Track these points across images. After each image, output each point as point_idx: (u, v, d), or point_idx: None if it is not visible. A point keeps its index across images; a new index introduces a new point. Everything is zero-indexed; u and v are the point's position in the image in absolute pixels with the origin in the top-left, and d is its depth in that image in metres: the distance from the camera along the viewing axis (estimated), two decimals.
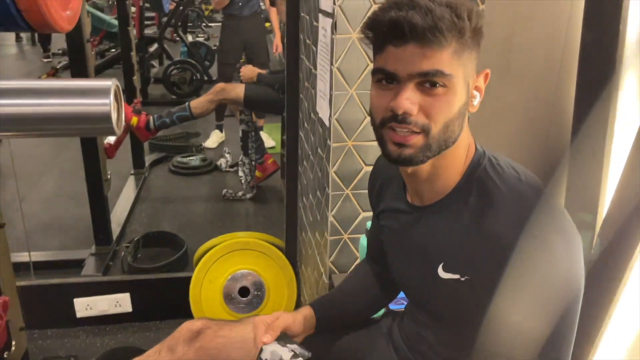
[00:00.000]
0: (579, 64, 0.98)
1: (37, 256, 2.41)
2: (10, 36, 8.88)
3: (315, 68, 1.64)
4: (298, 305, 2.20)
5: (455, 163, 0.82)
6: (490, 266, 0.75)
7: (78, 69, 2.36)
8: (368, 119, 1.44)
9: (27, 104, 0.42)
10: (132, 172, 3.64)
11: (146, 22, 6.18)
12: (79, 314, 2.18)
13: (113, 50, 6.47)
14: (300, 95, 2.04)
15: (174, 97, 5.43)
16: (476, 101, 0.80)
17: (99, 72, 2.81)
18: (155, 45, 5.98)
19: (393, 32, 0.72)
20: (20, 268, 2.25)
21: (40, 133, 0.47)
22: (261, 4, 4.44)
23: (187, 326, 1.08)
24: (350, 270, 1.55)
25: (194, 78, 5.47)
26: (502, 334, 0.76)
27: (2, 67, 6.63)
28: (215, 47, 5.49)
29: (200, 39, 7.23)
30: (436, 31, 0.71)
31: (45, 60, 7.69)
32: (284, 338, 1.00)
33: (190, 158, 3.92)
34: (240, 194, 3.41)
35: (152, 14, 6.98)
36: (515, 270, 0.72)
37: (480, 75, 0.81)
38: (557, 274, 0.74)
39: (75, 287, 2.19)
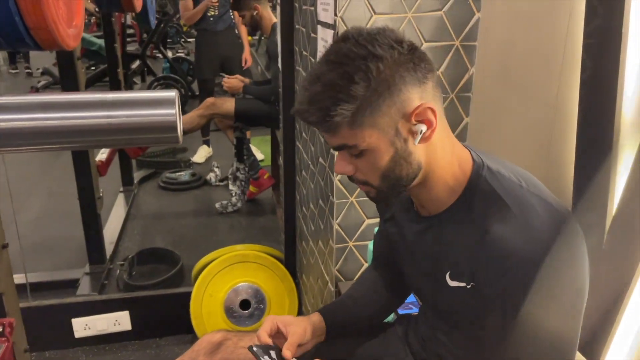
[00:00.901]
0: (582, 64, 1.02)
1: (31, 277, 2.37)
2: None
3: None
4: (300, 315, 2.20)
5: (443, 179, 0.84)
6: (495, 273, 0.76)
7: (69, 86, 2.35)
8: None
9: (100, 116, 0.43)
10: (121, 189, 3.61)
11: (127, 39, 6.15)
12: (77, 334, 2.14)
13: (93, 67, 6.42)
14: None
15: None
16: (418, 138, 0.78)
17: (85, 88, 2.79)
18: (138, 62, 5.96)
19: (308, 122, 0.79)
20: (16, 289, 2.21)
21: (112, 143, 0.48)
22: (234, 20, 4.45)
23: (207, 339, 1.08)
24: (357, 276, 1.56)
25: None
26: (523, 345, 0.79)
27: None
28: None
29: (181, 54, 7.23)
30: (318, 125, 0.77)
31: (12, 71, 7.67)
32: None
33: (179, 173, 3.90)
34: (229, 209, 3.40)
35: (133, 31, 6.97)
36: (528, 283, 0.74)
37: (418, 109, 0.77)
38: (569, 283, 0.77)
39: (73, 307, 2.15)
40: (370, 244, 1.46)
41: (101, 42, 4.62)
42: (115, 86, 3.39)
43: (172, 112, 0.45)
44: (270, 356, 0.91)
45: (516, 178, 0.81)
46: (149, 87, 5.40)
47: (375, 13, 1.37)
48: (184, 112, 5.26)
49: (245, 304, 2.16)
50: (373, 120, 0.76)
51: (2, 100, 0.45)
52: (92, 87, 5.32)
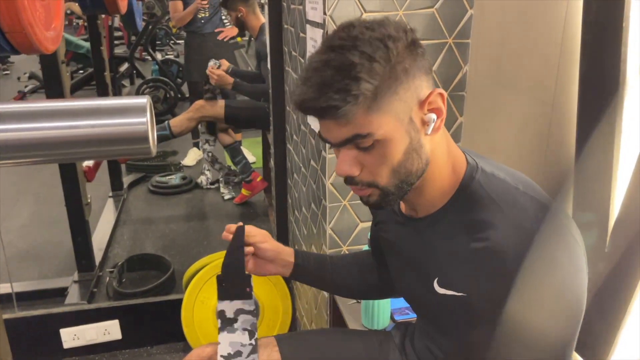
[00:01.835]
0: (581, 62, 0.99)
1: (17, 286, 2.32)
2: None
3: None
4: (294, 321, 2.16)
5: (438, 180, 0.80)
6: (490, 281, 0.73)
7: (53, 91, 2.29)
8: None
9: (58, 127, 0.38)
10: (111, 194, 3.55)
11: (115, 42, 6.08)
12: (66, 345, 2.09)
13: (81, 71, 6.34)
14: (288, 108, 2.01)
15: None
16: (431, 127, 0.75)
17: (72, 92, 2.72)
18: (126, 65, 5.89)
19: (308, 112, 0.73)
20: (1, 300, 2.16)
21: (72, 157, 0.44)
22: (225, 21, 4.37)
23: (196, 352, 1.04)
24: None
25: (168, 96, 5.40)
26: (515, 350, 0.74)
27: None
28: None
29: (171, 56, 7.16)
30: (333, 109, 0.69)
31: (6, 73, 7.61)
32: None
33: (170, 177, 3.85)
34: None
35: (121, 34, 6.89)
36: (521, 288, 0.70)
37: (429, 98, 0.74)
38: (563, 288, 0.72)
39: (60, 317, 2.10)
40: (364, 249, 1.42)
41: (89, 45, 4.56)
42: (102, 90, 3.33)
43: (143, 121, 0.40)
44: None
45: (512, 181, 0.77)
46: (138, 90, 5.34)
47: (365, 11, 1.33)
48: (173, 114, 5.22)
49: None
50: (390, 105, 0.71)
51: None
52: (79, 92, 5.26)
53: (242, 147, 3.51)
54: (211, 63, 3.06)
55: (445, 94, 0.75)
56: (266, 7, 2.11)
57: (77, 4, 5.36)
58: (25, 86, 5.60)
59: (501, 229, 0.72)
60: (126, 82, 6.57)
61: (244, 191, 3.43)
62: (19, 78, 7.44)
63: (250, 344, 1.00)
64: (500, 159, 0.86)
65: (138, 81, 6.04)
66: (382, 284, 1.15)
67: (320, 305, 1.68)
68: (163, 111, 5.34)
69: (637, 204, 0.90)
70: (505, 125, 1.30)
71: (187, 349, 2.09)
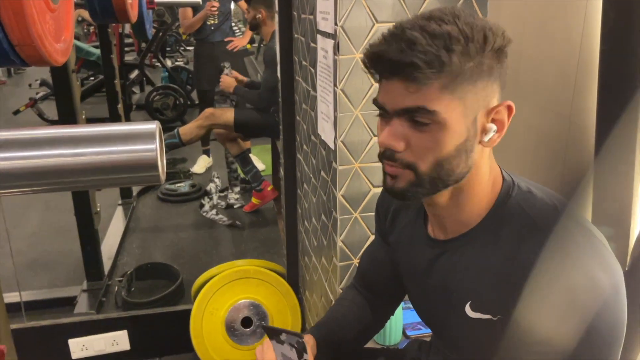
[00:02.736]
0: (599, 73, 0.96)
1: (26, 295, 2.31)
2: None
3: (315, 90, 1.61)
4: (303, 332, 2.13)
5: (478, 195, 0.77)
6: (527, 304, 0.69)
7: (64, 100, 2.29)
8: (374, 139, 1.40)
9: (62, 155, 0.37)
10: (120, 202, 3.55)
11: (125, 49, 6.11)
12: (74, 355, 2.08)
13: (92, 78, 6.38)
14: (297, 118, 2.00)
15: None
16: (488, 136, 0.72)
17: (82, 100, 2.72)
18: (136, 72, 5.91)
19: (378, 66, 0.70)
20: (10, 309, 2.15)
21: (79, 186, 0.42)
22: (235, 29, 4.38)
23: None
24: (339, 296, 1.51)
25: (177, 103, 5.42)
26: None
27: None
28: None
29: (180, 63, 7.19)
30: (414, 68, 0.66)
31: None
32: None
33: (179, 184, 3.85)
34: (229, 222, 3.34)
35: (131, 41, 6.93)
36: (558, 310, 0.67)
37: (499, 107, 0.72)
38: (604, 311, 0.68)
39: (69, 327, 2.09)
40: (344, 289, 1.40)
41: (100, 52, 4.59)
42: (112, 98, 3.34)
43: (152, 148, 0.39)
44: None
45: (549, 200, 0.74)
46: (148, 97, 5.35)
47: (377, 22, 1.31)
48: (182, 121, 5.23)
49: (247, 322, 2.10)
50: (465, 94, 0.68)
51: None
52: (90, 98, 5.28)
53: (251, 155, 3.51)
54: (226, 71, 3.08)
55: (513, 109, 0.73)
56: (276, 16, 2.10)
57: (87, 12, 5.39)
58: (37, 93, 5.63)
59: (540, 249, 0.69)
60: (136, 89, 6.60)
61: (254, 200, 3.42)
62: (30, 85, 7.51)
63: None
64: (516, 172, 0.84)
65: (148, 88, 6.06)
66: (376, 318, 1.12)
67: None
68: (172, 118, 5.35)
69: None
70: (521, 138, 1.27)
71: (196, 359, 2.07)
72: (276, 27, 3.16)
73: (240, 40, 4.12)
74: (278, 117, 2.58)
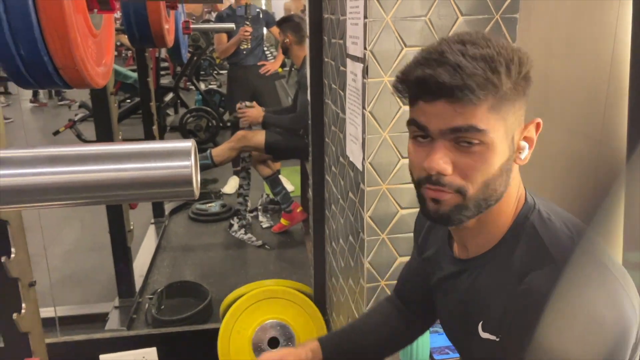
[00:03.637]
0: (630, 96, 0.95)
1: (61, 311, 2.37)
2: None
3: (344, 112, 1.63)
4: None
5: (502, 217, 0.77)
6: (527, 328, 0.68)
7: (102, 121, 2.38)
8: (402, 161, 1.41)
9: (105, 170, 0.39)
10: (152, 221, 3.63)
11: (161, 72, 6.30)
12: None
13: (129, 100, 6.58)
14: (326, 139, 2.02)
15: None
16: (524, 154, 0.74)
17: (119, 121, 2.84)
18: (171, 94, 6.08)
19: (422, 89, 0.70)
20: (44, 324, 2.21)
21: (117, 200, 0.45)
22: (267, 53, 4.47)
23: None
24: (372, 305, 1.50)
25: (210, 125, 5.53)
26: None
27: (25, 120, 6.77)
28: None
29: (214, 86, 7.36)
30: (466, 90, 0.66)
31: (59, 103, 7.98)
32: None
33: (210, 204, 3.91)
34: (258, 243, 3.37)
35: (167, 64, 7.14)
36: (557, 342, 0.66)
37: (530, 125, 0.74)
38: (602, 335, 0.66)
39: (100, 343, 2.14)
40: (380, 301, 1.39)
41: (136, 75, 4.76)
42: (148, 119, 3.44)
43: (188, 165, 0.41)
44: None
45: (567, 228, 0.73)
46: (182, 119, 5.49)
47: (406, 46, 1.33)
48: (215, 143, 5.33)
49: (273, 342, 2.10)
50: (507, 114, 0.70)
51: (2, 154, 0.41)
52: (126, 120, 5.45)
53: (280, 176, 3.55)
54: (240, 105, 3.15)
55: (541, 125, 0.75)
56: (307, 40, 2.15)
57: (126, 36, 5.59)
58: (75, 114, 5.84)
59: (548, 277, 0.68)
60: (170, 111, 6.76)
61: (283, 221, 3.44)
62: (69, 106, 7.80)
63: None
64: (545, 195, 0.83)
65: (182, 110, 6.22)
66: (407, 332, 1.12)
67: None
68: (205, 139, 5.46)
69: None
70: (549, 161, 1.26)
71: None
72: (307, 51, 3.23)
73: (272, 64, 4.21)
74: (307, 139, 2.62)
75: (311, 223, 2.25)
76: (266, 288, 2.15)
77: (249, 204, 3.83)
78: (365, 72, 1.35)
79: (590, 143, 1.10)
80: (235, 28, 3.76)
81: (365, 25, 1.32)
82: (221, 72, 9.34)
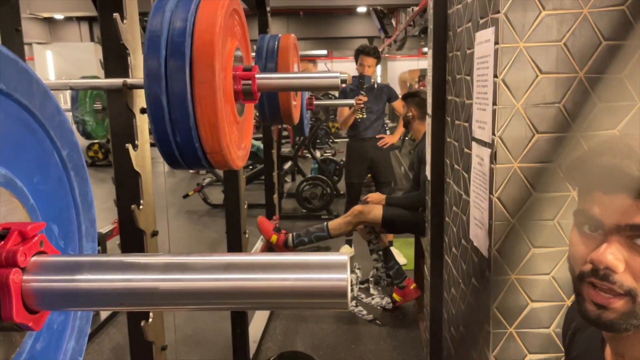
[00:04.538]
0: None
1: None
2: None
3: (467, 194, 1.60)
4: None
5: None
6: None
7: (230, 187, 2.56)
8: (533, 250, 1.34)
9: (263, 279, 0.43)
10: None
11: (282, 141, 6.68)
12: None
13: (251, 167, 7.02)
14: (447, 219, 1.99)
15: (304, 211, 5.65)
16: None
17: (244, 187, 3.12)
18: (290, 163, 6.39)
19: (604, 179, 0.66)
20: None
21: (273, 306, 0.48)
22: (386, 128, 4.57)
23: None
24: None
25: (324, 193, 5.69)
26: None
27: (157, 184, 7.47)
28: (342, 162, 5.75)
29: (329, 155, 7.65)
30: None
31: (192, 171, 8.65)
32: None
33: None
34: (369, 317, 3.31)
35: (286, 133, 7.57)
36: None
37: None
38: None
39: None
40: None
41: (259, 144, 5.07)
42: (269, 187, 3.64)
43: (344, 278, 0.43)
44: None
45: None
46: (298, 187, 5.71)
47: (537, 132, 1.30)
48: (328, 210, 5.46)
49: None
50: None
51: (172, 260, 0.47)
52: (249, 185, 5.79)
53: (392, 248, 3.51)
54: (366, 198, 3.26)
55: None
56: (428, 119, 2.17)
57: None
58: (203, 179, 6.33)
59: None
60: (288, 178, 7.08)
61: (395, 296, 3.37)
62: (198, 171, 8.47)
63: None
64: None
65: (299, 177, 6.48)
66: None
67: None
68: (319, 207, 5.61)
69: None
70: None
71: None
72: (422, 127, 3.27)
73: (392, 137, 4.29)
74: (425, 215, 2.58)
75: (427, 304, 2.18)
76: None
77: (359, 274, 3.81)
78: (494, 158, 1.33)
79: None
80: (355, 103, 3.90)
81: (494, 111, 1.32)
82: (336, 140, 9.68)
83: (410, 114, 3.34)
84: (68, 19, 12.66)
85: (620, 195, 0.65)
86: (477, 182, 1.49)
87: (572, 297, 0.75)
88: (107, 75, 1.41)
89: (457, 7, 1.72)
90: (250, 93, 1.30)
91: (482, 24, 1.42)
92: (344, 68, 4.79)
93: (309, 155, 6.94)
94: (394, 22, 11.06)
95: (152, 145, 1.37)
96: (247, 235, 2.49)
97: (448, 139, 1.94)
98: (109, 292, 0.48)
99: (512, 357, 1.37)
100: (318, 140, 8.77)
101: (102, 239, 3.40)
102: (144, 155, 1.45)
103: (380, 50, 6.26)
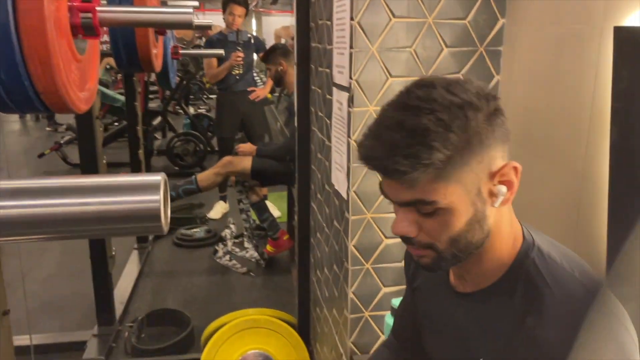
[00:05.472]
0: (611, 131, 0.96)
1: (37, 339, 2.31)
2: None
3: (330, 140, 1.63)
4: None
5: (498, 253, 0.76)
6: None
7: (86, 144, 2.36)
8: None
9: (68, 204, 0.38)
10: (136, 246, 3.57)
11: (150, 96, 6.30)
12: None
13: (117, 123, 6.56)
14: (313, 167, 2.02)
15: (176, 168, 5.45)
16: (499, 200, 0.71)
17: (105, 145, 2.81)
18: (159, 118, 6.07)
19: (372, 167, 0.70)
20: (20, 352, 2.14)
21: (81, 235, 0.43)
22: (256, 79, 4.49)
23: None
24: (371, 353, 1.46)
25: (197, 149, 5.52)
26: None
27: (8, 143, 6.70)
28: None
29: (202, 111, 7.37)
30: (400, 173, 0.66)
31: (48, 129, 7.86)
32: None
33: (195, 230, 3.86)
34: (243, 270, 3.32)
35: (156, 88, 7.16)
36: None
37: (504, 169, 0.71)
38: None
39: None
40: (387, 316, 1.37)
41: (124, 98, 4.74)
42: (134, 144, 3.42)
43: (156, 199, 0.39)
44: None
45: (569, 266, 0.73)
46: (169, 143, 5.47)
47: (391, 76, 1.34)
48: (202, 167, 5.31)
49: None
50: (459, 175, 0.68)
51: None
52: (113, 144, 5.42)
53: (267, 201, 3.52)
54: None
55: (520, 168, 0.72)
56: (295, 68, 2.16)
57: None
58: (62, 137, 5.80)
59: (552, 319, 0.68)
60: (158, 135, 6.75)
61: (269, 247, 3.41)
62: (56, 129, 7.74)
63: None
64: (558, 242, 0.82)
65: (170, 134, 6.20)
66: None
67: None
68: (192, 164, 5.44)
69: None
70: (533, 195, 1.26)
71: None
72: (294, 79, 3.26)
73: (262, 90, 4.22)
74: (294, 165, 2.61)
75: (296, 250, 2.23)
76: (249, 317, 2.11)
77: (251, 219, 3.78)
78: (351, 101, 1.35)
79: (573, 176, 1.10)
80: (225, 54, 3.77)
81: (351, 55, 1.33)
82: (211, 96, 9.36)
83: (281, 67, 3.30)
84: None
85: (387, 179, 0.71)
86: (337, 126, 1.51)
87: None
88: None
89: None
90: (91, 28, 1.18)
91: None
92: (219, 21, 4.55)
93: (181, 111, 6.65)
94: None
95: None
96: None
97: (313, 87, 1.95)
98: None
99: (368, 291, 1.45)
100: (192, 96, 8.41)
101: None
102: None
103: (253, 3, 6.09)
